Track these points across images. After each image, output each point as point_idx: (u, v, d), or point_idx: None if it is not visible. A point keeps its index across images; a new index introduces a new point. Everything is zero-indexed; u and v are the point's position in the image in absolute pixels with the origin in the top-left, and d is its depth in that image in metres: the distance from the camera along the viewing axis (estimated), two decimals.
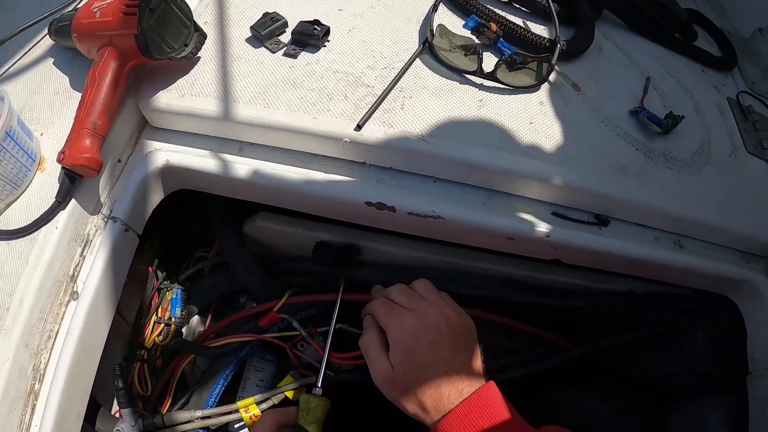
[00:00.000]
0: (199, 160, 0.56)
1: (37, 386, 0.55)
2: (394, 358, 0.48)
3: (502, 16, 0.62)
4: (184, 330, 0.69)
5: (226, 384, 0.60)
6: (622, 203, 0.55)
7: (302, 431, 0.51)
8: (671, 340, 0.62)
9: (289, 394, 0.58)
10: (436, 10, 0.62)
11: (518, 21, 0.65)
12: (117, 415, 0.65)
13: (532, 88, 0.59)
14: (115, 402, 0.70)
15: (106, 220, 0.58)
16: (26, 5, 0.70)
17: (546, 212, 0.55)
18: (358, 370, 0.57)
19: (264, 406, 0.58)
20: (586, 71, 0.63)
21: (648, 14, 0.70)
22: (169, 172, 0.57)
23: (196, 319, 0.71)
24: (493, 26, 0.60)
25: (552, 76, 0.60)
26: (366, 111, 0.53)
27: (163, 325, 0.65)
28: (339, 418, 0.56)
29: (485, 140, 0.54)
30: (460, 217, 0.51)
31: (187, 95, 0.57)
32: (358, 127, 0.52)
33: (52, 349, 0.56)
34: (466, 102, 0.56)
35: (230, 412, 0.58)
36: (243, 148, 0.57)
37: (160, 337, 0.65)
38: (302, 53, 0.59)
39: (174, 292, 0.66)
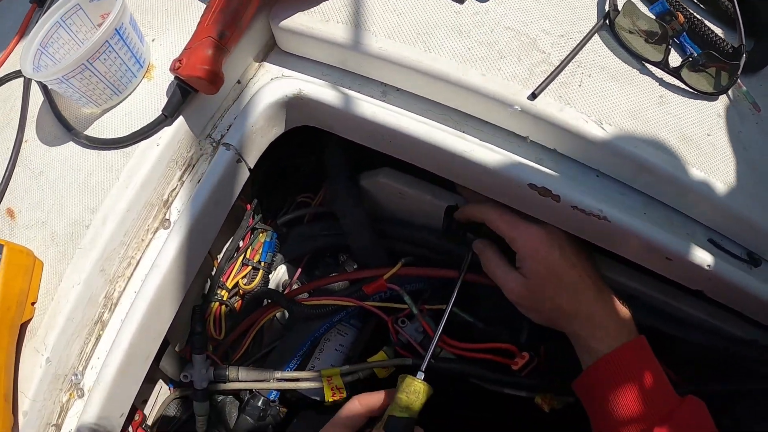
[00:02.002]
0: (337, 96, 0.48)
1: (106, 316, 0.49)
2: (529, 267, 0.49)
3: (687, 9, 0.55)
4: (270, 278, 0.62)
5: (310, 347, 0.55)
6: None
7: (392, 421, 0.45)
8: None
9: (379, 373, 0.53)
10: None
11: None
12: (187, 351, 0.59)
13: (711, 96, 0.53)
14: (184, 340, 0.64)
15: (215, 145, 0.51)
16: None
17: (702, 237, 0.50)
18: (462, 361, 0.52)
19: (349, 378, 0.53)
20: (761, 90, 0.57)
21: None
22: (298, 103, 0.50)
23: (283, 268, 0.64)
24: (681, 17, 0.53)
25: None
26: (542, 80, 0.46)
27: (250, 267, 0.59)
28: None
29: (662, 143, 0.48)
30: (626, 223, 0.46)
31: (332, 21, 0.49)
32: (533, 96, 0.45)
33: (130, 278, 0.50)
34: (646, 95, 0.50)
35: (311, 379, 0.52)
36: (387, 92, 0.50)
37: (245, 280, 0.59)
38: None
39: (268, 235, 0.60)
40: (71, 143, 0.52)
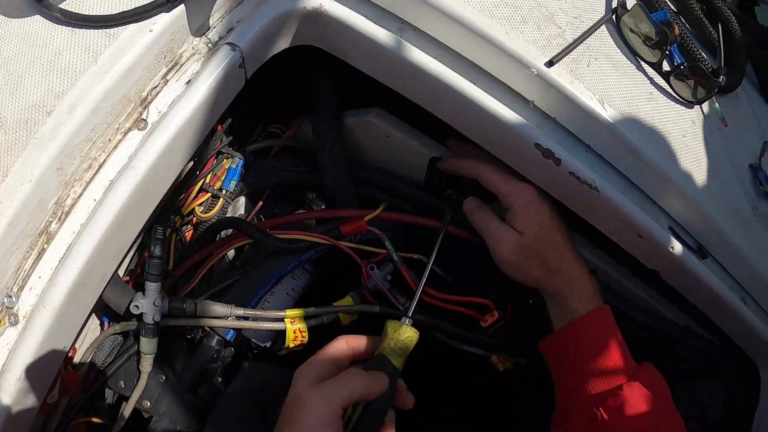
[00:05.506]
0: (360, 19, 0.47)
1: (54, 226, 0.42)
2: (522, 222, 0.50)
3: (683, 24, 0.60)
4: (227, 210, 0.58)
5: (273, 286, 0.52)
6: (727, 243, 0.56)
7: (388, 363, 0.44)
8: (694, 382, 0.64)
9: (343, 319, 0.51)
10: None
11: None
12: (127, 280, 0.53)
13: (690, 104, 0.58)
14: (125, 266, 0.58)
15: (210, 45, 0.48)
16: None
17: (665, 224, 0.54)
18: (428, 313, 0.52)
19: (312, 322, 0.51)
20: (728, 109, 0.63)
21: None
22: (315, 19, 0.48)
23: (240, 201, 0.60)
24: (677, 30, 0.58)
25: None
26: (557, 51, 0.48)
27: (209, 195, 0.54)
28: None
29: (649, 134, 0.52)
30: (613, 197, 0.49)
31: None
32: (550, 63, 0.47)
33: (89, 183, 0.44)
34: (639, 89, 0.54)
35: (273, 320, 0.49)
36: (404, 29, 0.49)
37: (201, 208, 0.54)
38: None
39: (234, 162, 0.56)
40: (38, 17, 0.45)
